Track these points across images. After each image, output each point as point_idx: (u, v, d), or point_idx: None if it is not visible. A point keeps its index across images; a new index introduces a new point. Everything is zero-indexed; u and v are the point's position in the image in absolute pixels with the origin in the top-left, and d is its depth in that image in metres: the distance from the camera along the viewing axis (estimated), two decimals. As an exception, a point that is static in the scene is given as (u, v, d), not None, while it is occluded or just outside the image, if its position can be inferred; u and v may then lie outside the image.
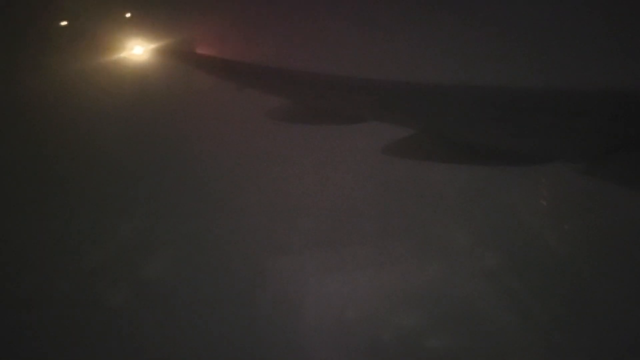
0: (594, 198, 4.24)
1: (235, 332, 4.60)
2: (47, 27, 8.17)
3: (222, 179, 6.06)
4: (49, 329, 4.80)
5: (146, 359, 4.70)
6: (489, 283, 4.67)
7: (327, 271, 5.02)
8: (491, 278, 4.70)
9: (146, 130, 6.77)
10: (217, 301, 4.84)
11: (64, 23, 8.15)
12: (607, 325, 4.15)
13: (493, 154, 3.52)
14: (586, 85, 3.54)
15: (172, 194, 6.11)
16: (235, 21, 6.44)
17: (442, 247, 5.01)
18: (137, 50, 7.21)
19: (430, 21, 5.34)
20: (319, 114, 4.59)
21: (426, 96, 3.98)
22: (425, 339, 4.45)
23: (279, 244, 5.31)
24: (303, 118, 4.77)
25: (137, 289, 5.13)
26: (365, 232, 5.27)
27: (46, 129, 6.97)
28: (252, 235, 5.45)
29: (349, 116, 4.54)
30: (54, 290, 5.07)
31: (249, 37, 6.19)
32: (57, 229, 5.79)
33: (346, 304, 4.76)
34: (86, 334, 4.73)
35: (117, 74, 7.29)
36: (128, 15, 7.56)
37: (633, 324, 4.07)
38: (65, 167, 6.46)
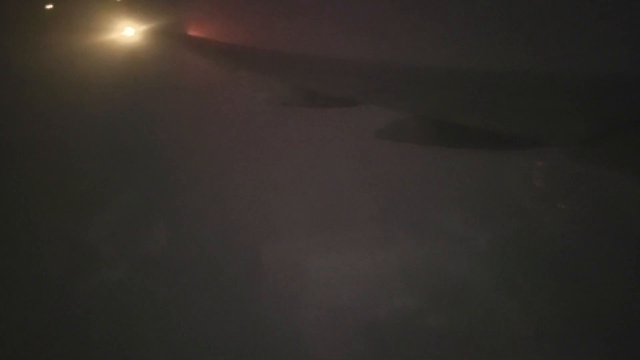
0: (586, 180, 4.24)
1: (231, 315, 4.63)
2: (39, 9, 8.07)
3: (213, 161, 6.05)
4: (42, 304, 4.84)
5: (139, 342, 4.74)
6: (483, 264, 4.70)
7: (321, 253, 5.04)
8: (486, 259, 4.73)
9: (137, 111, 6.73)
10: (211, 285, 4.87)
11: (56, 4, 8.06)
12: (600, 305, 4.20)
13: (486, 136, 3.50)
14: (577, 68, 3.52)
15: (162, 175, 6.09)
16: (227, 3, 6.36)
17: (436, 229, 5.03)
18: (129, 31, 7.14)
19: (424, 5, 5.27)
20: (312, 96, 4.55)
21: (419, 80, 3.95)
22: (420, 319, 4.49)
23: (273, 227, 5.32)
24: (297, 101, 4.74)
25: (130, 268, 5.16)
26: (360, 215, 5.28)
27: (37, 110, 6.94)
28: (245, 218, 5.46)
29: (342, 99, 4.50)
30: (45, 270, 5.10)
31: (241, 19, 6.11)
32: (48, 205, 5.81)
33: (342, 286, 4.79)
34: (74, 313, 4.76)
35: (108, 55, 7.23)
36: (120, -4, 7.48)
37: (628, 302, 4.12)
38: (59, 147, 6.46)
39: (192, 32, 6.34)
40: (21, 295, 4.92)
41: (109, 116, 6.66)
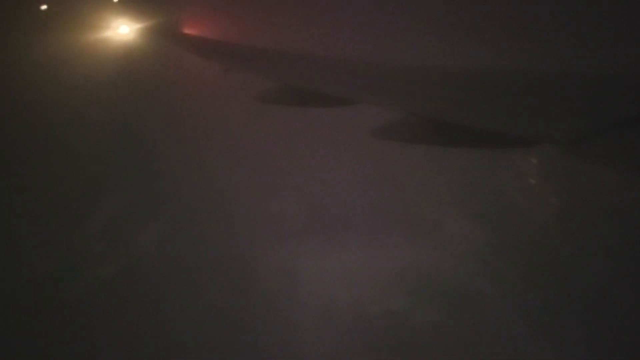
0: (580, 178, 4.27)
1: (226, 314, 4.62)
2: (35, 6, 8.05)
3: (209, 160, 6.04)
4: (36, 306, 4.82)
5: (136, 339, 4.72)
6: (479, 262, 4.72)
7: (318, 253, 5.05)
8: (481, 257, 4.75)
9: (131, 108, 6.73)
10: (207, 285, 4.86)
11: (52, 3, 8.03)
12: (591, 300, 4.23)
13: (482, 136, 3.50)
14: (573, 68, 3.53)
15: (156, 173, 6.07)
16: (222, 1, 6.34)
17: (432, 228, 5.05)
18: (124, 29, 7.12)
19: (423, 4, 5.28)
20: (308, 95, 4.53)
21: (417, 79, 3.95)
22: (416, 317, 4.51)
23: (270, 227, 5.32)
24: (291, 100, 4.71)
25: (125, 267, 5.14)
26: (357, 214, 5.29)
27: (33, 109, 6.92)
28: (241, 217, 5.45)
29: (338, 98, 4.48)
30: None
31: (237, 17, 6.10)
32: (44, 202, 5.79)
33: (338, 285, 4.79)
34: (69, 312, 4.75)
35: (103, 53, 7.21)
36: (115, -6, 7.45)
37: (617, 295, 4.15)
38: (52, 145, 6.44)
39: (188, 30, 6.32)
40: (16, 295, 4.91)
41: (104, 113, 6.65)
